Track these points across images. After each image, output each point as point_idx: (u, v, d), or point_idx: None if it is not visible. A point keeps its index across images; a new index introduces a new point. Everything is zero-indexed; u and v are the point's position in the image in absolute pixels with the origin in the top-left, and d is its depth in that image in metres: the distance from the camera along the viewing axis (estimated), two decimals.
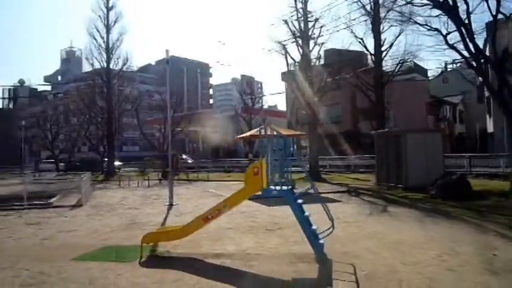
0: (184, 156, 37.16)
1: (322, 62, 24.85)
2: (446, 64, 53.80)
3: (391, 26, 17.69)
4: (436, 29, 12.76)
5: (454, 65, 54.80)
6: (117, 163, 37.52)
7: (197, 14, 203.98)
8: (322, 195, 14.95)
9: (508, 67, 11.33)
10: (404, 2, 12.56)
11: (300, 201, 5.90)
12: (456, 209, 9.71)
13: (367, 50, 18.64)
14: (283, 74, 42.50)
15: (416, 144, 14.24)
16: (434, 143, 14.54)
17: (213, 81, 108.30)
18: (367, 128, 36.45)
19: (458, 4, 11.23)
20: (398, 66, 19.56)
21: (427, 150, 14.29)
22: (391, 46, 18.28)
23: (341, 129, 33.14)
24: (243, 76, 47.16)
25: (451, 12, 10.95)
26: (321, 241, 5.73)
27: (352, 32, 18.89)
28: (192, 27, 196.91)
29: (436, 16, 12.00)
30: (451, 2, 10.96)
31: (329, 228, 5.94)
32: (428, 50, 46.80)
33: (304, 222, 5.70)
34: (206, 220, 5.95)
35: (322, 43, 21.62)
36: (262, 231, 8.04)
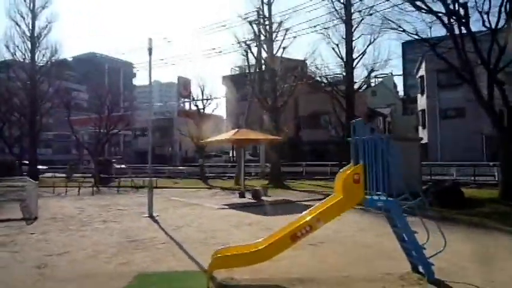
0: None
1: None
2: (370, 78, 57.63)
3: (362, 34, 17.90)
4: (424, 39, 12.99)
5: (376, 79, 59.21)
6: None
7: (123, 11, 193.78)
8: (302, 203, 14.45)
9: (500, 78, 11.83)
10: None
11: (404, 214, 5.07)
12: (468, 217, 9.68)
13: (340, 56, 18.60)
14: (224, 78, 41.60)
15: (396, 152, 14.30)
16: (412, 151, 14.80)
17: (136, 82, 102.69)
18: (308, 136, 37.33)
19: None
20: (368, 75, 19.88)
21: (407, 158, 14.43)
22: (363, 54, 18.49)
23: (284, 137, 33.25)
24: (179, 78, 44.90)
25: (462, 22, 11.12)
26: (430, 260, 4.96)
27: (329, 37, 18.59)
28: (117, 25, 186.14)
29: (442, 20, 11.91)
30: (462, 12, 11.15)
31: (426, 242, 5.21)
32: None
33: (415, 239, 4.90)
34: (294, 238, 4.81)
35: (284, 47, 21.20)
36: (308, 246, 7.00)
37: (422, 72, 31.61)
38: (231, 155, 41.63)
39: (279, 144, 21.27)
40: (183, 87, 43.69)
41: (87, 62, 75.87)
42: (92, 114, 35.92)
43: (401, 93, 64.87)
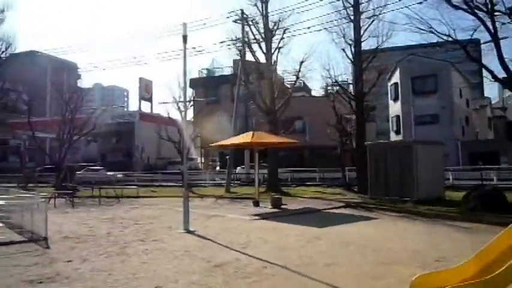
0: None
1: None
2: (327, 85, 58.66)
3: (369, 36, 17.37)
4: (456, 41, 12.73)
5: (335, 87, 60.29)
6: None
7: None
8: (328, 211, 13.47)
9: None
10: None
11: None
12: None
13: (348, 58, 17.93)
14: (192, 80, 39.71)
15: (424, 156, 13.92)
16: (437, 155, 14.50)
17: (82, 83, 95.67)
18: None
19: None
20: (378, 77, 19.32)
21: (432, 162, 14.12)
22: (374, 57, 17.92)
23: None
24: (141, 79, 41.96)
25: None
26: None
27: (343, 37, 17.65)
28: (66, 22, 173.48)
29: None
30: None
31: None
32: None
33: None
34: None
35: (280, 47, 20.23)
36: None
37: (396, 79, 32.33)
38: (198, 161, 39.70)
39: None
40: (145, 89, 40.99)
41: (25, 60, 68.86)
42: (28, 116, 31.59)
43: None
